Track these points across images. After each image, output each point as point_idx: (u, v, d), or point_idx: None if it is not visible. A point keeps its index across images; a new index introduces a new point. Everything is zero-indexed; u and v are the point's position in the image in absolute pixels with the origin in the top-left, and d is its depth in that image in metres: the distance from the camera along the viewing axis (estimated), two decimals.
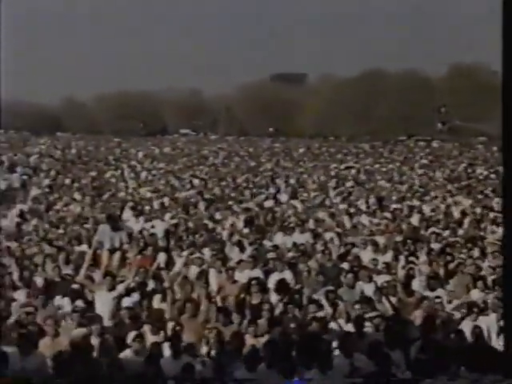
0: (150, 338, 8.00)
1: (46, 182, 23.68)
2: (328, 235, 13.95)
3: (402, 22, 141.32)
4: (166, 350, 7.64)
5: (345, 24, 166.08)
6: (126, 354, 7.56)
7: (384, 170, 31.18)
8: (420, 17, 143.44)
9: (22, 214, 16.23)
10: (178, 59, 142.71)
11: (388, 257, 12.12)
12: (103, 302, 8.96)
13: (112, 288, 9.13)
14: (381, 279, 10.44)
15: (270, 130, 78.39)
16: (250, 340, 7.98)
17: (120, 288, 9.22)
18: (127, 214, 15.87)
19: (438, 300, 9.53)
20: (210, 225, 15.15)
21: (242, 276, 10.73)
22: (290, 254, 12.31)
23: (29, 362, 7.13)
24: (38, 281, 10.37)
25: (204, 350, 7.89)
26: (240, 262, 11.36)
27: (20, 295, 9.55)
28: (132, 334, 7.78)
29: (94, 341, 7.80)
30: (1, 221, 15.39)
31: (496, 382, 5.57)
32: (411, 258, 12.02)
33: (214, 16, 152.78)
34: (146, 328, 8.20)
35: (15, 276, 10.22)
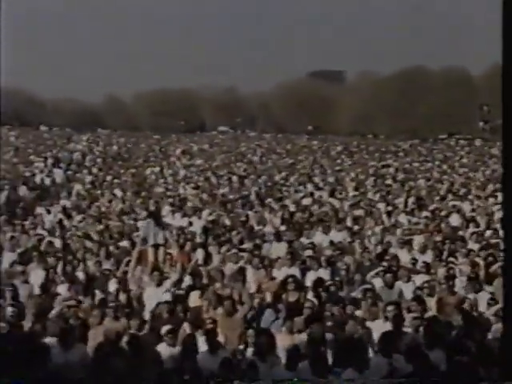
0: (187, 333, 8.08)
1: (89, 178, 24.16)
2: (366, 234, 13.89)
3: (439, 21, 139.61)
4: (203, 346, 7.72)
5: (385, 21, 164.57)
6: (162, 348, 7.66)
7: (423, 168, 30.79)
8: (457, 16, 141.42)
9: (65, 210, 16.61)
10: (216, 57, 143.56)
11: (427, 256, 12.01)
12: (152, 298, 9.11)
13: (159, 284, 9.28)
14: (420, 279, 10.36)
15: (308, 127, 78.18)
16: (285, 338, 8.00)
17: (167, 284, 9.37)
18: (166, 211, 16.07)
19: (477, 302, 9.42)
20: (248, 222, 15.23)
21: (279, 273, 10.78)
22: (328, 252, 12.30)
23: (72, 354, 7.30)
24: (80, 275, 10.64)
25: (240, 347, 7.94)
26: (277, 259, 11.41)
27: (62, 289, 9.80)
28: (166, 328, 7.87)
29: (132, 334, 7.93)
30: (45, 216, 15.83)
31: None
32: (451, 259, 11.89)
33: (252, 14, 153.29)
34: (185, 324, 8.29)
35: (58, 270, 10.47)
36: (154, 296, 9.20)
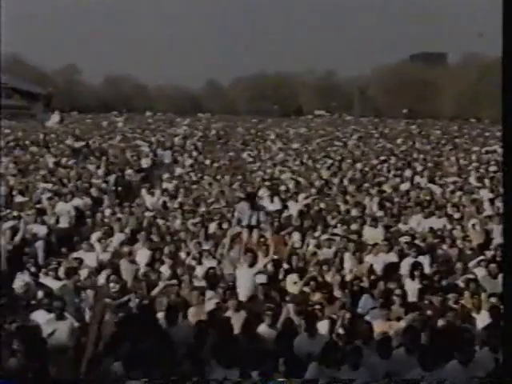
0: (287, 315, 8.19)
1: (189, 161, 24.83)
2: (469, 222, 13.43)
3: None
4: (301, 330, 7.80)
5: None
6: (262, 328, 7.81)
7: None
8: None
9: (167, 192, 17.21)
10: (314, 41, 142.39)
11: None
12: (244, 278, 9.30)
13: (252, 264, 9.45)
14: None
15: (405, 111, 76.15)
16: (381, 325, 7.93)
17: (259, 265, 9.52)
18: (262, 194, 16.25)
19: None
20: (344, 206, 15.12)
21: (376, 260, 10.67)
22: (428, 239, 12.02)
23: (174, 331, 7.63)
24: (182, 255, 11.05)
25: (338, 331, 7.95)
26: (375, 245, 11.28)
27: (165, 269, 10.21)
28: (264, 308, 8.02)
29: (232, 315, 8.15)
30: (149, 198, 16.49)
31: None
32: None
33: None
34: (289, 306, 8.41)
35: (165, 251, 10.92)
36: (247, 277, 9.36)
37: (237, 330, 7.70)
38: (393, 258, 10.72)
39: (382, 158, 26.23)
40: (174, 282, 9.29)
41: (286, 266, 10.47)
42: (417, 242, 11.63)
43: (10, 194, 15.74)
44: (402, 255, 10.82)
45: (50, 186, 17.00)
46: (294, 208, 14.95)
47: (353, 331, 7.56)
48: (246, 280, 9.26)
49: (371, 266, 10.46)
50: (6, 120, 37.41)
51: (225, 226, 12.58)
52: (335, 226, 13.00)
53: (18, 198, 15.48)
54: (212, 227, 12.80)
